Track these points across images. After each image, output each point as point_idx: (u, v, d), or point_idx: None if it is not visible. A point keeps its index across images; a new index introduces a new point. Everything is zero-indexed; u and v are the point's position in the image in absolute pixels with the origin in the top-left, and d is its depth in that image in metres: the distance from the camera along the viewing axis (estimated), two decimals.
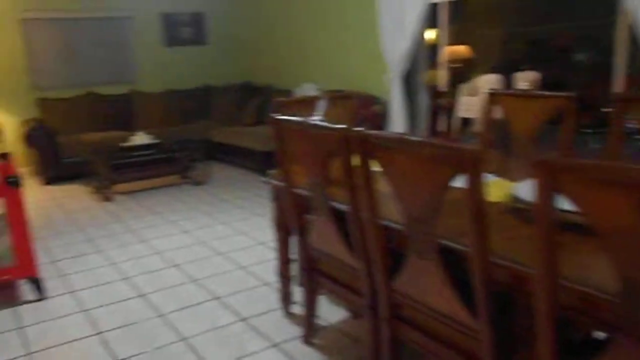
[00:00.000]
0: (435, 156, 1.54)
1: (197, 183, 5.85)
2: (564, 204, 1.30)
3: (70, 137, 6.20)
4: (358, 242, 2.03)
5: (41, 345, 2.73)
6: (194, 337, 2.74)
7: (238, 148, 6.40)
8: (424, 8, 4.79)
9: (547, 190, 1.30)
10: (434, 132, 5.36)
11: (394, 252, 1.93)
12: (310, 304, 2.60)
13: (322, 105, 2.55)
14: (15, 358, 2.63)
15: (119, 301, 3.19)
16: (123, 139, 5.84)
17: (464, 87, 5.38)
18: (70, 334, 2.83)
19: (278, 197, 2.66)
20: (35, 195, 5.61)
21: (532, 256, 1.46)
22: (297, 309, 2.93)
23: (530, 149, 2.75)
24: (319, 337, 2.69)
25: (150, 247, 4.04)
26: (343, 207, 2.06)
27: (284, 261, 2.84)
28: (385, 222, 1.90)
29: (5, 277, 3.10)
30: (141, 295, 3.24)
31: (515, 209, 1.92)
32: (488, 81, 5.18)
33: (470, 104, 5.27)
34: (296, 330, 2.75)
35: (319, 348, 2.61)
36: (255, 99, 7.11)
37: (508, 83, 5.28)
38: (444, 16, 5.08)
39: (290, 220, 2.46)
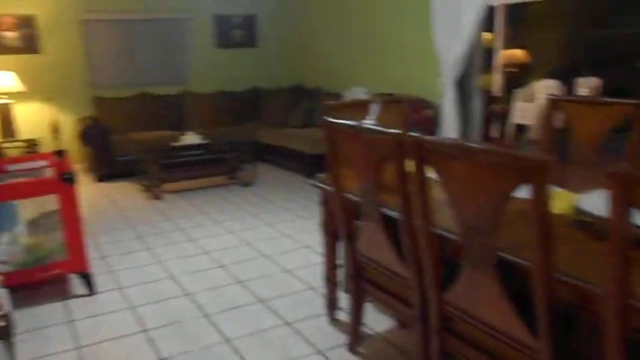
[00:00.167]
0: (497, 164, 1.46)
1: (245, 184, 5.88)
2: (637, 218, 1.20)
3: (123, 135, 6.35)
4: (409, 250, 1.96)
5: (90, 340, 2.77)
6: (238, 339, 2.73)
7: (286, 150, 6.41)
8: (482, 10, 4.65)
9: (622, 203, 1.20)
10: (486, 138, 5.19)
11: (447, 263, 1.85)
12: (357, 312, 2.54)
13: (374, 109, 2.50)
14: (65, 351, 2.68)
15: (166, 299, 3.21)
16: (174, 138, 5.93)
17: (520, 93, 5.19)
18: (118, 330, 2.86)
19: (327, 201, 2.62)
20: (88, 192, 5.76)
21: (600, 273, 1.36)
22: (343, 316, 2.87)
23: (593, 158, 2.60)
24: (364, 346, 2.63)
25: (198, 247, 4.07)
26: (394, 213, 2.00)
27: (331, 266, 2.78)
28: (439, 231, 1.82)
29: (57, 271, 3.17)
30: (187, 295, 3.26)
31: (580, 222, 1.80)
32: (546, 87, 4.98)
33: (525, 110, 5.08)
34: (341, 338, 2.69)
35: (364, 357, 2.54)
36: (304, 101, 7.10)
37: (567, 89, 5.07)
38: (500, 19, 4.93)
39: (339, 225, 2.41)
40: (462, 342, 1.86)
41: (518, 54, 6.07)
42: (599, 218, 1.69)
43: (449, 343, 1.92)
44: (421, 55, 5.52)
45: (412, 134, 1.71)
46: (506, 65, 5.18)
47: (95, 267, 3.65)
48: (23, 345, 2.72)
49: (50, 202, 3.08)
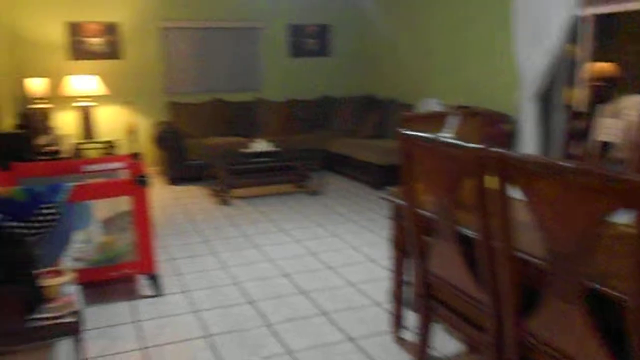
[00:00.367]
0: (594, 185, 1.31)
1: (312, 193, 5.85)
2: None
3: (195, 140, 6.49)
4: (486, 273, 1.83)
5: (155, 341, 2.80)
6: (300, 351, 2.66)
7: (355, 160, 6.33)
8: (568, 20, 4.40)
9: None
10: (568, 156, 4.90)
11: (527, 289, 1.70)
12: (424, 332, 2.42)
13: (452, 121, 2.38)
14: (130, 350, 2.72)
15: (229, 305, 3.20)
16: (244, 145, 6.00)
17: (606, 108, 4.88)
18: (181, 334, 2.88)
19: (398, 215, 2.51)
20: (160, 194, 5.92)
21: None
22: (409, 335, 2.75)
23: None
24: None
25: (263, 254, 4.06)
26: (471, 233, 1.87)
27: (398, 283, 2.68)
28: (521, 255, 1.68)
29: (126, 271, 3.24)
30: (251, 302, 3.24)
31: None
32: (636, 103, 4.65)
33: (612, 126, 4.76)
34: (406, 358, 2.57)
35: None
36: (375, 112, 7.01)
37: None
38: (587, 30, 4.65)
39: (410, 242, 2.30)
40: None
41: (606, 67, 5.72)
42: None
43: None
44: (499, 67, 5.31)
45: (495, 149, 1.59)
46: (592, 79, 4.88)
47: (163, 269, 3.70)
48: (91, 342, 2.78)
49: (123, 203, 3.16)
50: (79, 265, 3.07)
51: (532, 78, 4.71)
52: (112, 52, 6.71)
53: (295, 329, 2.89)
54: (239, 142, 6.31)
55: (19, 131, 4.46)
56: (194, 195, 5.94)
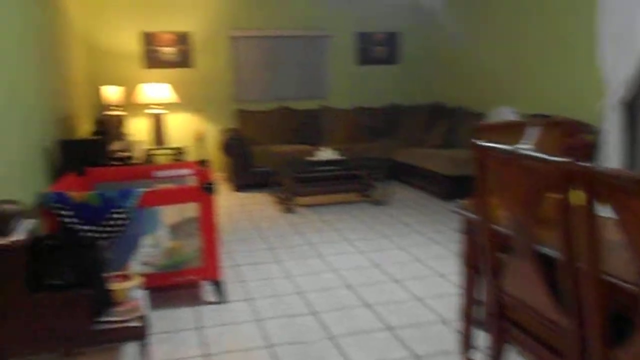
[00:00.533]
0: None
1: (377, 203, 5.74)
2: None
3: (261, 147, 6.55)
4: (569, 296, 1.68)
5: (217, 349, 2.79)
6: None
7: (422, 170, 6.18)
8: None
9: None
10: None
11: (616, 315, 1.54)
12: (496, 355, 2.26)
13: (531, 132, 2.23)
14: (193, 357, 2.72)
15: (292, 316, 3.16)
16: (310, 153, 5.98)
17: None
18: (244, 342, 2.85)
19: (469, 230, 2.38)
20: (226, 200, 5.99)
21: None
22: (478, 356, 2.60)
23: None
24: None
25: (326, 264, 4.00)
26: (553, 252, 1.73)
27: (469, 301, 2.53)
28: (610, 279, 1.53)
29: (192, 277, 3.26)
30: (313, 313, 3.18)
31: None
32: None
33: None
34: None
35: None
36: (444, 120, 6.83)
37: None
38: None
39: (482, 258, 2.17)
40: None
41: None
42: None
43: None
44: (581, 72, 5.01)
45: (583, 163, 1.45)
46: None
47: (227, 276, 3.72)
48: (156, 346, 2.81)
49: (190, 209, 3.19)
50: (147, 269, 3.12)
51: (617, 85, 4.41)
52: (183, 60, 6.90)
53: (358, 343, 2.81)
54: (305, 150, 6.30)
55: (94, 137, 4.63)
56: (259, 202, 5.97)
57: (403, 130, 7.20)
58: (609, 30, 4.44)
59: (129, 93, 6.46)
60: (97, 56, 6.62)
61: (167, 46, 6.82)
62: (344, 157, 5.82)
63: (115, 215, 3.00)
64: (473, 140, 1.96)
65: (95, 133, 4.89)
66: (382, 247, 4.35)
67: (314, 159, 5.78)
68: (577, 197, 1.51)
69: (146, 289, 2.74)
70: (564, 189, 1.56)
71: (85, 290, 2.38)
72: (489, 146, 1.87)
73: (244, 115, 7.06)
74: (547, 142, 2.65)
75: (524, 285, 1.94)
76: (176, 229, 3.24)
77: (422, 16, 7.66)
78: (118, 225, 3.01)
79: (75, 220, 2.94)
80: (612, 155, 4.44)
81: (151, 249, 3.20)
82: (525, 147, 2.08)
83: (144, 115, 6.68)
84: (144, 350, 2.56)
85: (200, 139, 6.98)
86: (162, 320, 3.11)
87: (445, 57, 7.47)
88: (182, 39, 6.87)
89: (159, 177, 3.85)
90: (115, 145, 4.86)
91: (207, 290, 3.47)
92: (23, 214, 2.55)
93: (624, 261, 1.41)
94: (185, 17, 6.89)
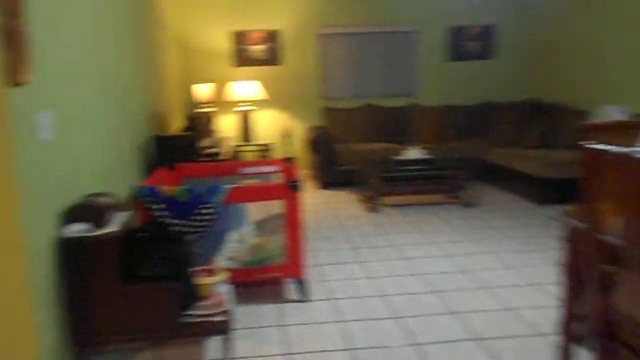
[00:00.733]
0: None
1: (466, 205, 5.51)
2: None
3: (347, 145, 6.49)
4: None
5: (298, 348, 2.76)
6: None
7: (514, 172, 5.85)
8: None
9: None
10: None
11: None
12: None
13: None
14: (275, 355, 2.70)
15: (374, 319, 3.07)
16: (396, 151, 5.84)
17: None
18: (325, 343, 2.80)
19: (573, 238, 2.18)
20: (311, 198, 5.99)
21: None
22: None
23: None
24: None
25: (411, 267, 3.87)
26: None
27: (570, 316, 2.33)
28: None
29: (275, 274, 3.26)
30: (396, 318, 3.07)
31: None
32: None
33: None
34: None
35: None
36: (541, 119, 6.43)
37: None
38: None
39: (587, 270, 1.97)
40: None
41: None
42: None
43: None
44: None
45: None
46: None
47: (310, 275, 3.69)
48: (239, 341, 2.82)
49: (275, 206, 3.18)
50: (232, 265, 3.15)
51: None
52: (272, 58, 6.99)
53: (443, 352, 2.67)
54: (391, 148, 6.17)
55: (185, 134, 4.77)
56: (344, 201, 5.92)
57: (495, 129, 6.86)
58: None
59: (219, 91, 6.63)
60: (189, 55, 6.85)
61: (256, 44, 6.94)
62: (431, 157, 5.62)
63: (202, 211, 3.04)
64: (581, 142, 1.78)
65: (186, 129, 5.05)
66: (471, 251, 4.16)
67: (401, 157, 5.64)
68: None
69: (231, 284, 2.75)
70: None
71: (173, 283, 2.42)
72: (600, 149, 1.69)
73: (330, 112, 7.04)
74: None
75: (638, 303, 1.74)
76: (261, 226, 3.25)
77: (521, 7, 7.27)
78: (205, 220, 3.06)
79: (165, 214, 3.02)
80: None
81: (236, 245, 3.23)
82: None
83: (232, 112, 6.83)
84: (227, 345, 2.58)
85: (286, 136, 7.04)
86: (245, 316, 3.12)
87: (544, 50, 7.03)
88: (271, 37, 6.95)
89: (245, 174, 3.89)
90: (204, 142, 4.99)
91: (290, 288, 3.46)
92: (118, 207, 2.64)
93: None
94: (275, 15, 6.97)
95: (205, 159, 4.47)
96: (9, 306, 2.13)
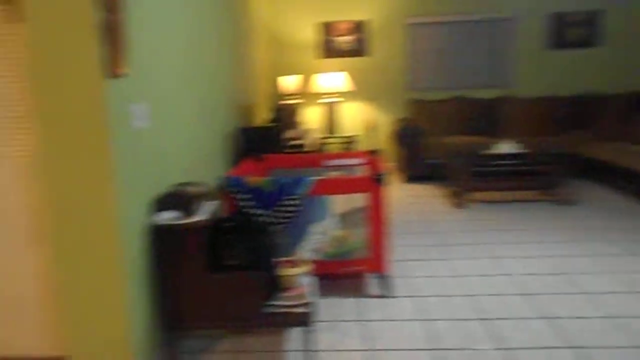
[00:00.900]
0: None
1: (563, 203, 5.18)
2: None
3: (434, 138, 6.31)
4: None
5: (380, 345, 2.71)
6: None
7: (618, 168, 5.42)
8: None
9: None
10: None
11: None
12: None
13: None
14: (356, 350, 2.67)
15: (460, 319, 2.95)
16: (487, 145, 5.60)
17: None
18: (407, 342, 2.73)
19: None
20: (395, 191, 5.89)
21: None
22: None
23: None
24: None
25: (500, 267, 3.68)
26: None
27: None
28: None
29: (357, 268, 3.21)
30: (484, 319, 2.93)
31: None
32: None
33: None
34: None
35: None
36: None
37: None
38: None
39: None
40: None
41: None
42: None
43: None
44: None
45: None
46: None
47: (393, 270, 3.61)
48: (320, 334, 2.81)
49: (358, 199, 3.13)
50: (315, 257, 3.14)
51: None
52: (358, 49, 6.93)
53: (535, 359, 2.52)
54: (482, 142, 5.92)
55: (271, 125, 4.83)
56: (429, 195, 5.77)
57: (597, 122, 6.39)
58: None
59: (305, 82, 6.66)
60: (276, 47, 6.94)
61: (343, 35, 6.90)
62: (525, 151, 5.33)
63: (287, 202, 3.06)
64: None
65: (272, 121, 5.11)
66: (566, 253, 3.90)
67: (492, 151, 5.39)
68: None
69: (314, 276, 2.74)
70: None
71: (257, 273, 2.44)
72: None
73: (417, 104, 6.88)
74: None
75: None
76: (344, 218, 3.21)
77: None
78: (289, 212, 3.07)
79: (250, 204, 3.06)
80: None
81: (320, 237, 3.22)
82: None
83: (317, 104, 6.85)
84: (308, 336, 2.57)
85: (371, 128, 6.97)
86: (327, 309, 3.11)
87: None
88: (358, 28, 6.89)
89: (329, 166, 3.87)
90: (289, 133, 5.03)
91: (371, 283, 3.40)
92: (206, 196, 2.71)
93: None
94: (363, 5, 6.89)
95: (291, 150, 4.50)
96: (104, 287, 2.25)
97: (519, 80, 6.98)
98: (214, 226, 2.48)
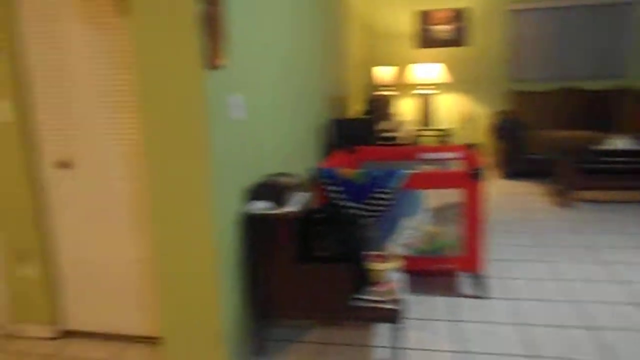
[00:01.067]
0: None
1: None
2: None
3: (538, 132, 5.95)
4: None
5: (471, 347, 2.59)
6: None
7: None
8: None
9: None
10: None
11: None
12: None
13: None
14: (446, 351, 2.57)
15: (562, 326, 2.75)
16: (597, 140, 5.20)
17: None
18: (502, 346, 2.59)
19: None
20: (493, 188, 5.63)
21: None
22: None
23: None
24: None
25: (609, 273, 3.40)
26: None
27: None
28: None
29: (449, 266, 3.09)
30: (590, 329, 2.72)
31: None
32: None
33: None
34: None
35: None
36: None
37: None
38: None
39: None
40: None
41: None
42: None
43: None
44: None
45: None
46: None
47: (488, 270, 3.45)
48: (409, 332, 2.74)
49: (451, 194, 3.01)
50: (406, 252, 3.06)
51: None
52: (457, 39, 6.66)
53: None
54: (592, 137, 5.51)
55: (364, 117, 4.78)
56: (531, 193, 5.46)
57: None
58: None
59: (400, 73, 6.53)
60: (371, 37, 6.83)
61: (441, 24, 6.67)
62: None
63: (379, 195, 3.00)
64: None
65: (366, 113, 5.05)
66: None
67: (603, 147, 4.99)
68: None
69: (404, 272, 2.67)
70: None
71: (346, 265, 2.42)
72: None
73: (519, 96, 6.51)
74: None
75: None
76: (437, 214, 3.10)
77: None
78: (381, 205, 3.01)
79: (342, 196, 3.04)
80: None
81: (412, 232, 3.13)
82: None
83: (412, 95, 6.69)
84: (396, 334, 2.51)
85: (468, 120, 6.71)
86: (417, 306, 3.03)
87: None
88: (457, 16, 6.62)
89: (424, 159, 3.76)
90: (382, 125, 4.95)
91: (465, 282, 3.27)
92: (297, 187, 2.71)
93: None
94: None
95: (384, 142, 4.43)
96: (199, 274, 2.32)
97: (636, 71, 6.39)
98: (305, 217, 2.48)
